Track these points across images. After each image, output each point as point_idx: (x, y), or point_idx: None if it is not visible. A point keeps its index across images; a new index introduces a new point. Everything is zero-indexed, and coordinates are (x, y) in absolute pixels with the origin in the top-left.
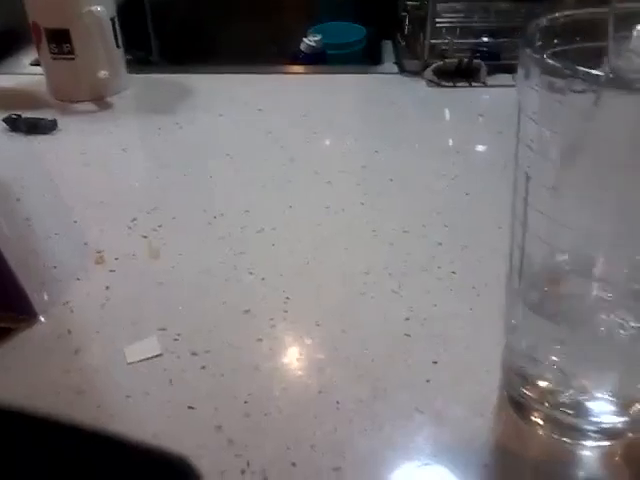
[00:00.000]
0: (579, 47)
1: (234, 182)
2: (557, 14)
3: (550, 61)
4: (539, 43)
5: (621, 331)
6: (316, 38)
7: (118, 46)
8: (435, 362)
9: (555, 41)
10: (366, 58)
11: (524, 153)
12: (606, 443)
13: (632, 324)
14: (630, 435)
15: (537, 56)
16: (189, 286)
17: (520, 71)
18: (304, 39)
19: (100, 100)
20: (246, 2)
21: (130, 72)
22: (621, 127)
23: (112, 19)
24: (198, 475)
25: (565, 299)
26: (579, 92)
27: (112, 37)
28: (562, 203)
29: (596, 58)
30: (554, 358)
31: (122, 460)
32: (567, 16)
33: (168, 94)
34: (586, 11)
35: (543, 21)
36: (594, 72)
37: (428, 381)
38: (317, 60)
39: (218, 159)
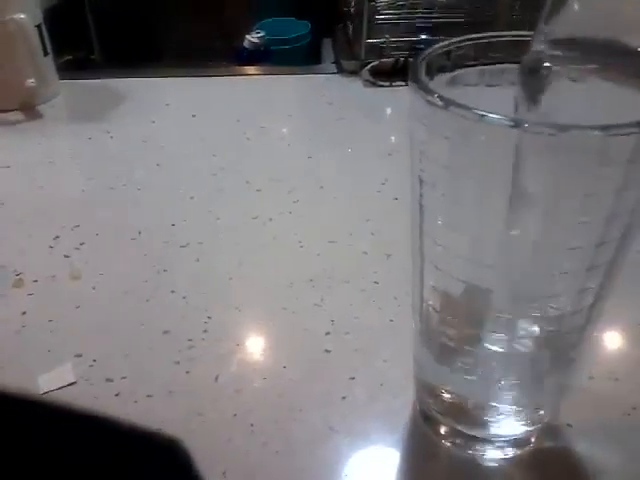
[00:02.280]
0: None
1: (162, 194)
2: (451, 41)
3: (436, 101)
4: (438, 70)
5: (520, 347)
6: (259, 35)
7: (47, 53)
8: (352, 378)
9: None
10: (311, 54)
11: (416, 184)
12: (511, 452)
13: (529, 342)
14: (533, 441)
15: (425, 94)
16: (108, 308)
17: (409, 103)
18: (247, 36)
19: (29, 109)
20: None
21: (65, 77)
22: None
23: (38, 26)
24: (187, 455)
25: (464, 321)
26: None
27: (38, 45)
28: (455, 233)
29: (497, 76)
30: (455, 374)
31: (109, 441)
32: (461, 42)
33: (101, 101)
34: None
35: (436, 50)
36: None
37: (344, 398)
38: (261, 57)
39: (147, 169)
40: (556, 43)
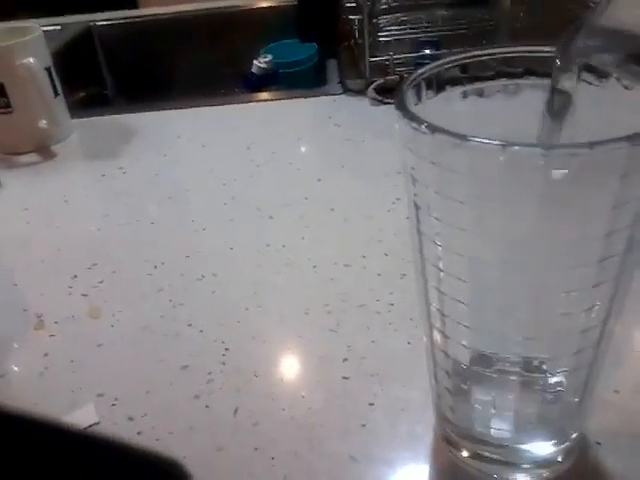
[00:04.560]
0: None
1: (175, 227)
2: (438, 63)
3: (421, 127)
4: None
5: (537, 382)
6: (266, 59)
7: (57, 94)
8: (371, 404)
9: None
10: (319, 75)
11: (412, 209)
12: (538, 474)
13: (549, 374)
14: (561, 462)
15: (410, 120)
16: (128, 345)
17: (398, 129)
18: (254, 61)
19: (44, 150)
20: (197, 29)
21: (78, 115)
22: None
23: (47, 68)
24: (189, 478)
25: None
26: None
27: (49, 87)
28: (454, 256)
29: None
30: (475, 399)
31: (112, 462)
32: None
33: (113, 137)
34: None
35: (423, 74)
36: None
37: (364, 425)
38: (269, 81)
39: (160, 203)
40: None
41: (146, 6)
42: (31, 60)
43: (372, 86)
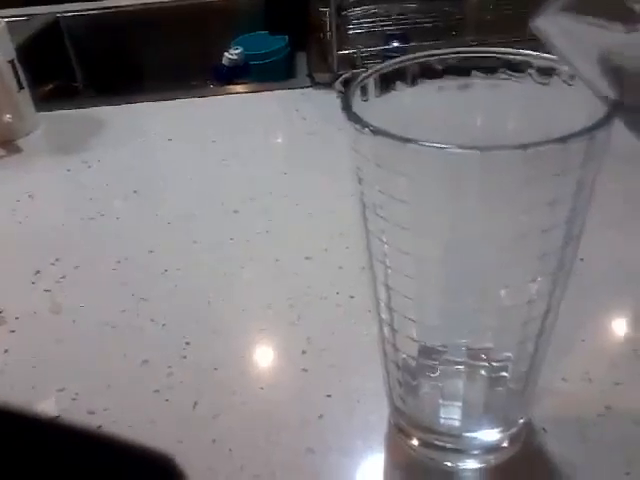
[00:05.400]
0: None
1: (140, 221)
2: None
3: (363, 129)
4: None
5: (482, 371)
6: (237, 51)
7: (22, 87)
8: (329, 395)
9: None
10: (289, 67)
11: (361, 207)
12: (486, 460)
13: (494, 363)
14: (508, 448)
15: (354, 122)
16: (90, 340)
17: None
18: (225, 53)
19: (8, 144)
20: (167, 21)
21: (44, 108)
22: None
23: (11, 61)
24: (182, 474)
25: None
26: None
27: (13, 80)
28: (400, 255)
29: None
30: (423, 389)
31: (103, 457)
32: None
33: (80, 131)
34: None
35: (371, 74)
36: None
37: (321, 417)
38: (240, 73)
39: (125, 198)
40: None
41: None
42: None
43: (339, 79)
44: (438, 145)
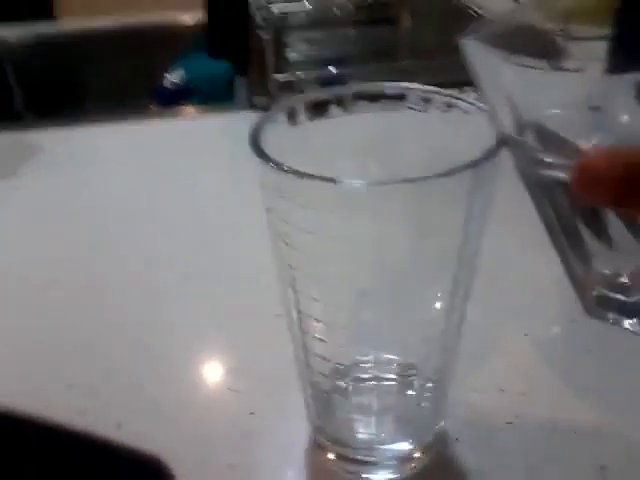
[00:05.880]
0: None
1: (69, 249)
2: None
3: (267, 163)
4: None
5: (391, 385)
6: (178, 73)
7: None
8: (252, 413)
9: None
10: (231, 90)
11: (272, 237)
12: (400, 472)
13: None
14: (421, 459)
15: (258, 157)
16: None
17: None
18: (166, 75)
19: None
20: (110, 44)
21: None
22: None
23: None
24: (171, 475)
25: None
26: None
27: None
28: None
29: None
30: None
31: (93, 458)
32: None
33: (14, 155)
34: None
35: (280, 109)
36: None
37: (244, 434)
38: (181, 95)
39: (54, 224)
40: None
41: (63, 16)
42: None
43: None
44: (330, 179)
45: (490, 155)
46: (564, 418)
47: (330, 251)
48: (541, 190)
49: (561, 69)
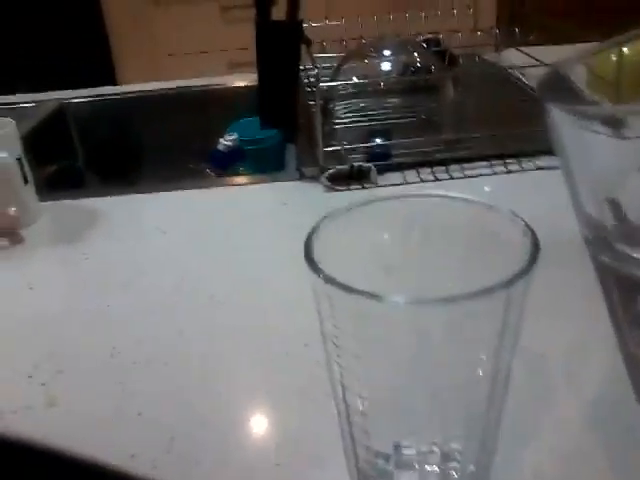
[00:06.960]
0: None
1: (129, 314)
2: None
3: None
4: None
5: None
6: (232, 137)
7: (27, 181)
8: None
9: None
10: (282, 154)
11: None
12: None
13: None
14: None
15: (312, 271)
16: (77, 439)
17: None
18: (220, 139)
19: (11, 235)
20: (169, 106)
21: (47, 198)
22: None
23: (18, 159)
24: None
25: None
26: None
27: (19, 177)
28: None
29: None
30: None
31: None
32: None
33: (79, 221)
34: None
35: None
36: None
37: None
38: (234, 158)
39: (116, 290)
40: None
41: (124, 82)
42: (3, 155)
43: (324, 174)
44: (375, 296)
45: (524, 273)
46: None
47: (373, 354)
48: (618, 290)
49: None
